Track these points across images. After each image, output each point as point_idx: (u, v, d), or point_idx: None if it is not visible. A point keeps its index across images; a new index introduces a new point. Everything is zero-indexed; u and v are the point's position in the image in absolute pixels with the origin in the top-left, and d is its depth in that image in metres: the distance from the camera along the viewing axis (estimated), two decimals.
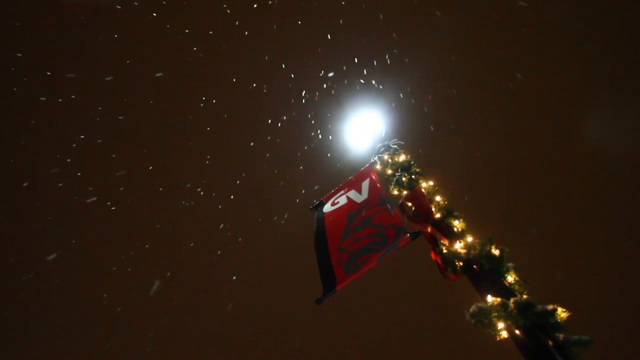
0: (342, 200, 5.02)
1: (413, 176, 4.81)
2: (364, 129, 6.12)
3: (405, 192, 4.56)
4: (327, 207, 5.09)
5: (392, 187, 4.86)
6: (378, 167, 5.39)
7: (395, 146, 5.51)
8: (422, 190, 4.42)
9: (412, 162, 5.05)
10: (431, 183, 4.59)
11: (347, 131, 6.36)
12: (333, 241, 4.45)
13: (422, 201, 4.14)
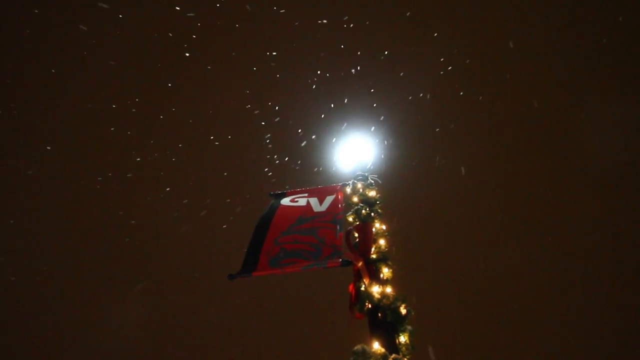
0: (301, 202, 5.15)
1: (372, 213, 5.00)
2: (354, 151, 6.27)
3: (357, 222, 4.74)
4: (285, 201, 5.20)
5: (350, 213, 5.03)
6: (348, 189, 5.56)
7: (372, 181, 5.70)
8: (373, 228, 4.61)
9: (378, 202, 5.24)
10: (384, 227, 4.80)
11: (338, 147, 6.49)
12: (273, 232, 4.55)
13: (366, 237, 4.32)
